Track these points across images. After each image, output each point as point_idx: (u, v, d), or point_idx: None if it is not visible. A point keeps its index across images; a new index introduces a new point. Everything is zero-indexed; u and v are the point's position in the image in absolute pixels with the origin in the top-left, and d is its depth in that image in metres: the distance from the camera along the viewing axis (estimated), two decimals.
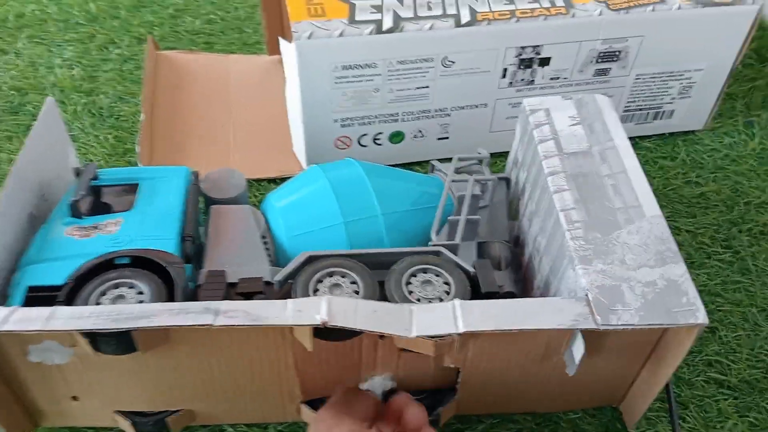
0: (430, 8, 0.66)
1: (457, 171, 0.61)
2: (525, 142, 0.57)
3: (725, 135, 0.80)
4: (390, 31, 0.64)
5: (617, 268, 0.44)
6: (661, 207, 0.48)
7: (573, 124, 0.55)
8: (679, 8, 0.68)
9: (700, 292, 0.61)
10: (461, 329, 0.41)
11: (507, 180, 0.62)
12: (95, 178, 0.53)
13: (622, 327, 0.41)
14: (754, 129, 0.81)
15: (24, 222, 0.51)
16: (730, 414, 0.54)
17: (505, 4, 0.67)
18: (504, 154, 0.75)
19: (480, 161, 0.62)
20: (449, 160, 0.62)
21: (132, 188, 0.53)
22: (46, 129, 0.55)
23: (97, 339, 0.41)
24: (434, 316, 0.42)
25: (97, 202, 0.53)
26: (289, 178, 0.71)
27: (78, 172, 0.54)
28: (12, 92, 0.84)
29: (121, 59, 0.89)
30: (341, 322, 0.40)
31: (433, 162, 0.64)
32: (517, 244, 0.59)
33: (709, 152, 0.78)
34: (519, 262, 0.57)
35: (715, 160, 0.77)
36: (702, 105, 0.78)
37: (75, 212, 0.50)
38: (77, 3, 1.00)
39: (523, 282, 0.57)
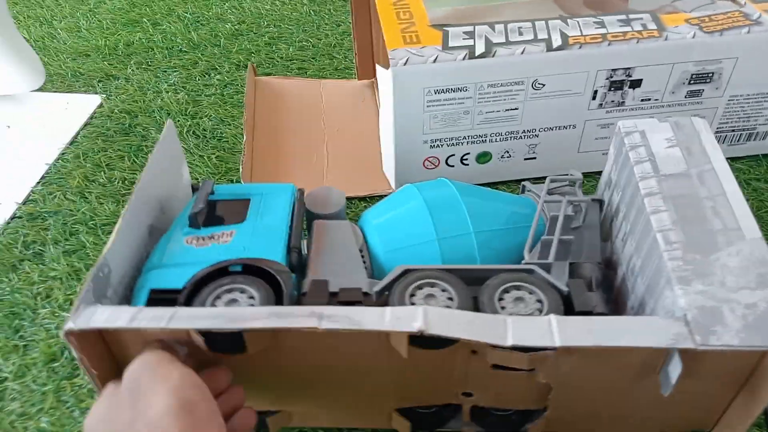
0: (521, 33, 0.68)
1: (550, 192, 0.62)
2: (619, 163, 0.58)
3: None
4: (482, 56, 0.66)
5: (717, 290, 0.44)
6: None
7: (669, 147, 0.55)
8: None
9: None
10: (558, 343, 0.41)
11: (600, 202, 0.62)
12: (212, 192, 0.58)
13: (721, 348, 0.41)
14: None
15: (145, 232, 0.55)
16: None
17: (597, 27, 0.68)
18: (591, 174, 0.76)
19: (573, 183, 0.63)
20: (540, 180, 0.63)
21: (244, 203, 0.57)
22: (166, 149, 0.59)
23: (212, 338, 0.45)
24: (530, 329, 0.42)
25: (212, 215, 0.56)
26: (378, 197, 0.74)
27: (195, 187, 0.59)
28: (123, 115, 0.91)
29: (221, 84, 0.95)
30: (438, 330, 0.41)
31: (525, 183, 0.65)
32: (608, 265, 0.59)
33: None
34: (611, 284, 0.58)
35: None
36: None
37: (194, 223, 0.54)
38: (180, 32, 1.07)
39: (614, 304, 0.57)
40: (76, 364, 0.61)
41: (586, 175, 0.77)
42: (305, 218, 0.60)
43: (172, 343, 0.45)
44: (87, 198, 0.78)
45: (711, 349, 0.41)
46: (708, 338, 0.41)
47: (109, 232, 0.71)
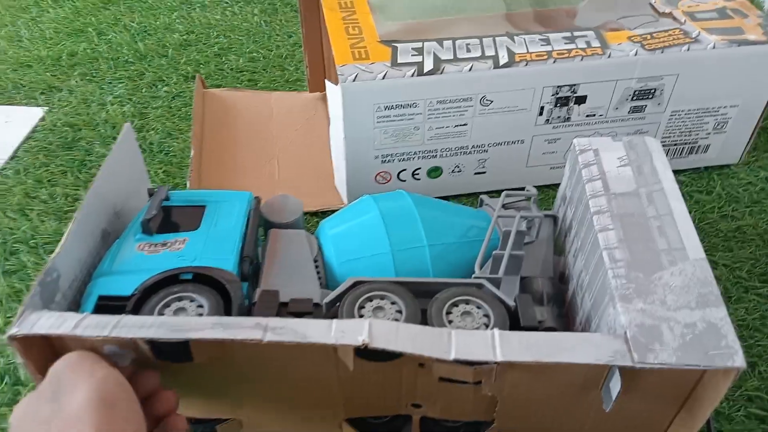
0: (469, 50, 0.69)
1: (505, 207, 0.62)
2: (573, 180, 0.59)
3: (761, 169, 0.81)
4: (431, 72, 0.66)
5: (657, 308, 0.45)
6: None
7: (621, 165, 0.56)
8: (714, 47, 0.70)
9: (738, 326, 0.62)
10: (499, 358, 0.42)
11: (554, 217, 0.63)
12: (167, 198, 0.57)
13: (659, 366, 0.41)
14: None
15: (98, 237, 0.55)
16: None
17: (542, 45, 0.69)
18: (540, 188, 0.77)
19: (528, 198, 0.64)
20: (493, 194, 0.64)
21: (199, 210, 0.56)
22: (123, 152, 0.59)
23: (158, 347, 0.44)
24: (473, 343, 0.43)
25: (166, 221, 0.56)
26: (330, 211, 0.74)
27: (151, 193, 0.58)
28: (66, 128, 0.88)
29: (169, 96, 0.93)
30: (382, 344, 0.42)
31: (482, 197, 0.65)
32: (562, 280, 0.60)
33: (744, 186, 0.79)
34: (563, 298, 0.59)
35: (751, 194, 0.78)
36: (737, 140, 0.79)
37: (146, 229, 0.54)
38: (126, 42, 1.05)
39: (566, 318, 0.58)
40: (17, 389, 0.59)
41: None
42: (262, 227, 0.60)
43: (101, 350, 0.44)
44: (28, 216, 0.76)
45: (649, 367, 0.41)
46: (646, 356, 0.42)
47: (51, 251, 0.69)
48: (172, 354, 0.45)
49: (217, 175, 0.79)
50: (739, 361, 0.41)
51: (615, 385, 0.43)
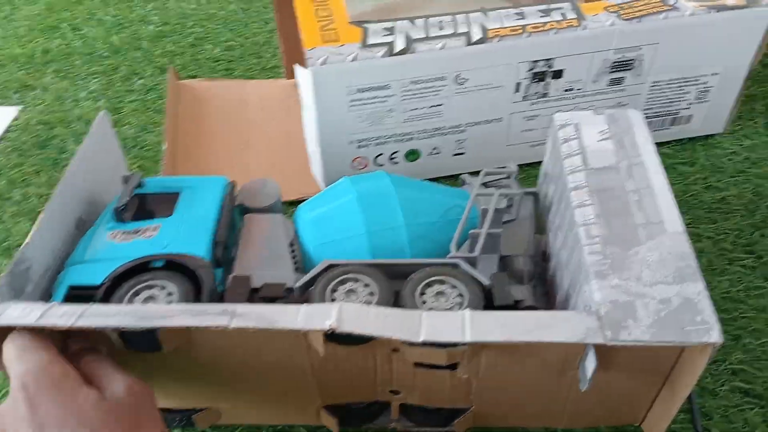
0: (441, 28, 0.67)
1: (486, 185, 0.61)
2: (554, 156, 0.57)
3: (745, 138, 0.80)
4: (402, 52, 0.65)
5: (633, 284, 0.44)
6: (681, 214, 0.48)
7: (602, 140, 0.55)
8: (692, 14, 0.68)
9: (722, 299, 0.62)
10: (468, 339, 0.41)
11: (535, 194, 0.62)
12: (140, 186, 0.56)
13: (632, 343, 0.40)
14: None
15: (72, 226, 0.54)
16: (757, 424, 0.53)
17: (516, 19, 0.68)
18: (522, 167, 0.76)
19: (508, 176, 0.63)
20: (475, 175, 0.63)
21: (173, 197, 0.56)
22: (98, 139, 0.58)
23: (126, 336, 0.44)
24: (443, 324, 0.42)
25: (141, 209, 0.55)
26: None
27: (125, 180, 0.57)
28: (39, 126, 0.87)
29: (144, 89, 0.92)
30: (350, 327, 0.41)
31: (463, 176, 0.64)
32: (544, 258, 0.59)
33: (728, 156, 0.78)
34: (545, 277, 0.57)
35: (735, 163, 0.77)
36: (720, 109, 0.78)
37: (118, 217, 0.53)
38: (101, 36, 1.03)
39: (547, 297, 0.57)
40: None
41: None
42: (240, 212, 0.59)
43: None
44: (1, 217, 0.74)
45: (622, 345, 0.40)
46: (619, 333, 0.41)
47: None
48: (141, 343, 0.44)
49: (192, 167, 0.77)
50: (715, 336, 0.40)
51: (590, 364, 0.42)
